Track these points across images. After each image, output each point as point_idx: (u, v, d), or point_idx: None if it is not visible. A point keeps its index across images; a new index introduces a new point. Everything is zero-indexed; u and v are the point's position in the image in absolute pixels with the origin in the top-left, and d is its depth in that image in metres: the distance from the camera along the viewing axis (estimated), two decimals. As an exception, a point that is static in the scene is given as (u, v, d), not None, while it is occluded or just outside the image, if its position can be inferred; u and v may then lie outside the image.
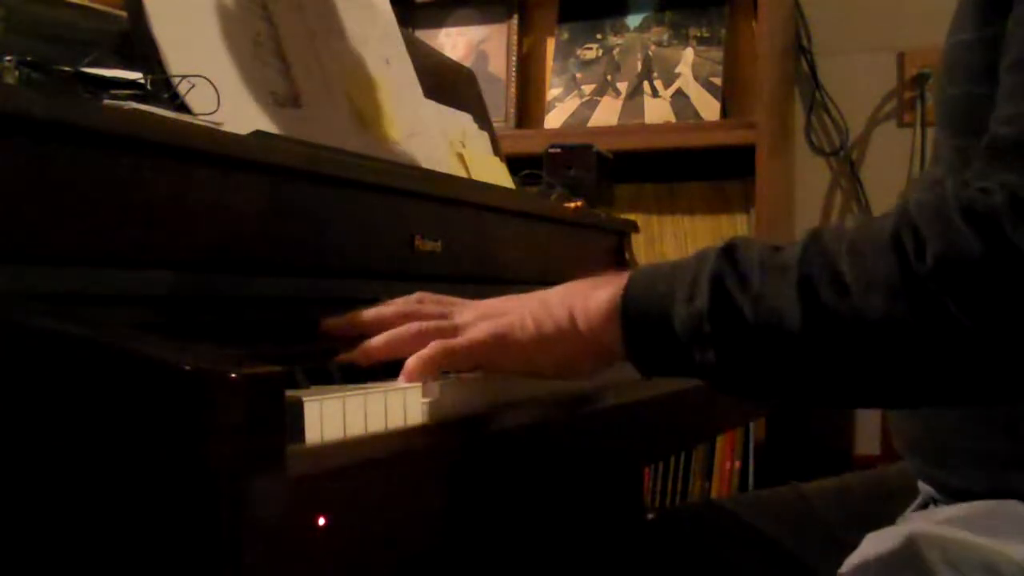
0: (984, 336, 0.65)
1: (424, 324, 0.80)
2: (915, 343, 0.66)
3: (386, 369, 0.84)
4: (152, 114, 0.79)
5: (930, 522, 0.87)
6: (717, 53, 2.22)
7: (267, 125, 0.90)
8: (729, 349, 0.70)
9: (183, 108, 0.85)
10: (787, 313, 0.68)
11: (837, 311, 0.67)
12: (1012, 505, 0.87)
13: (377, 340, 0.79)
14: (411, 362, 0.76)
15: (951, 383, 0.69)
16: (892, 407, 0.91)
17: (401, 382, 0.75)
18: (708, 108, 2.19)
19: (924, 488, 1.00)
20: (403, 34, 1.24)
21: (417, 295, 0.87)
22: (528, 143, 2.02)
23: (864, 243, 0.68)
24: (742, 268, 0.71)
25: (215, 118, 0.86)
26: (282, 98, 0.98)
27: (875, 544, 0.83)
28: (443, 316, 0.82)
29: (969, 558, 0.79)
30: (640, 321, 0.74)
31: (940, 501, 0.98)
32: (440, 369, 0.77)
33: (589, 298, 0.77)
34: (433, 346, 0.76)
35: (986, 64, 0.82)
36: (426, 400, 0.72)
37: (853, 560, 0.84)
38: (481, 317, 0.80)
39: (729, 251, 0.72)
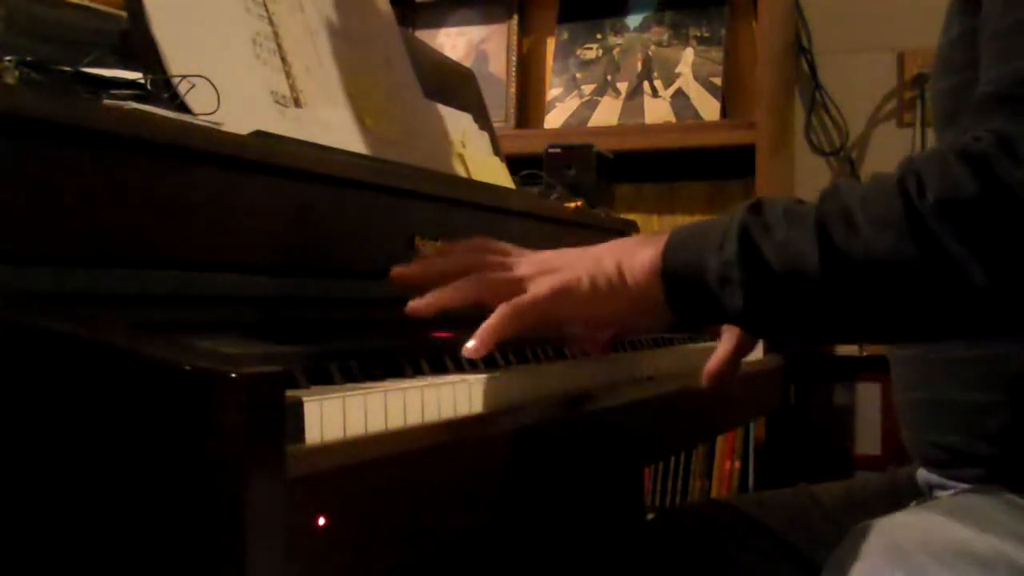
0: (983, 268, 0.71)
1: (491, 277, 0.86)
2: (921, 277, 0.72)
3: (386, 369, 0.84)
4: (152, 114, 0.79)
5: (912, 512, 0.88)
6: (717, 53, 2.22)
7: (267, 125, 0.90)
8: (756, 292, 0.77)
9: (183, 108, 0.85)
10: (806, 255, 0.75)
11: (850, 251, 0.74)
12: (995, 497, 0.89)
13: (444, 294, 0.84)
14: (484, 332, 0.82)
15: (956, 314, 0.75)
16: (906, 340, 0.97)
17: (471, 344, 0.81)
18: (708, 108, 2.19)
19: (922, 477, 1.02)
20: (403, 34, 1.24)
21: (476, 241, 0.92)
22: (528, 143, 2.02)
23: (873, 190, 0.76)
24: (766, 218, 0.78)
25: (215, 118, 0.86)
26: (282, 98, 0.98)
27: (859, 536, 0.85)
28: (504, 267, 0.88)
29: (947, 545, 0.81)
30: (678, 273, 0.81)
31: (935, 487, 0.99)
32: (513, 332, 0.83)
33: (635, 256, 0.84)
34: (502, 311, 0.82)
35: (970, 55, 0.86)
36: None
37: (838, 552, 0.85)
38: (540, 271, 0.86)
39: (756, 206, 0.79)
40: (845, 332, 0.84)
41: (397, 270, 0.88)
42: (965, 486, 0.96)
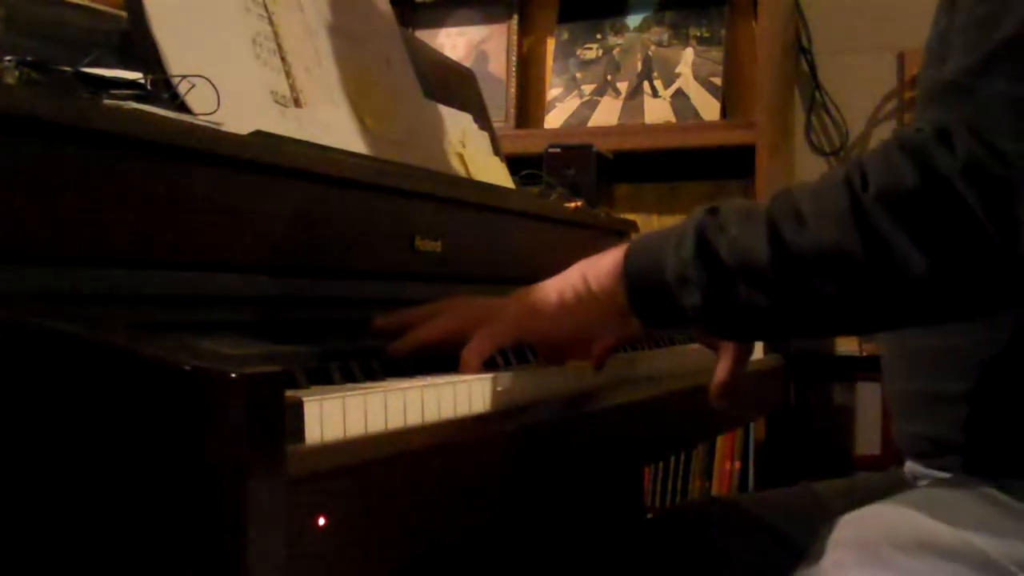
0: (922, 257, 0.73)
1: (462, 314, 0.90)
2: (864, 267, 0.74)
3: (386, 369, 0.84)
4: (152, 114, 0.79)
5: (882, 505, 0.91)
6: (717, 53, 2.22)
7: (267, 125, 0.90)
8: (712, 290, 0.79)
9: (183, 108, 0.85)
10: (757, 250, 0.77)
11: (797, 243, 0.76)
12: (966, 488, 0.89)
13: (424, 328, 0.88)
14: (466, 354, 0.85)
15: (900, 303, 0.77)
16: (858, 332, 1.02)
17: (465, 374, 0.84)
18: (708, 108, 2.19)
19: (909, 468, 1.03)
20: (403, 34, 1.24)
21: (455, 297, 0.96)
22: (528, 143, 2.02)
23: (821, 185, 0.78)
24: (721, 219, 0.80)
25: (215, 118, 0.86)
26: (282, 98, 0.98)
27: (829, 530, 0.87)
28: (479, 306, 0.92)
29: (914, 537, 0.82)
30: (638, 275, 0.84)
31: (920, 478, 1.00)
32: (491, 352, 0.87)
33: (598, 264, 0.87)
34: (479, 334, 0.86)
35: (949, 44, 0.87)
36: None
37: (811, 547, 0.86)
38: (512, 299, 0.91)
39: (712, 208, 0.82)
40: (797, 326, 0.85)
41: (380, 321, 0.91)
42: (944, 475, 0.97)
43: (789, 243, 0.76)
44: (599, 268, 0.87)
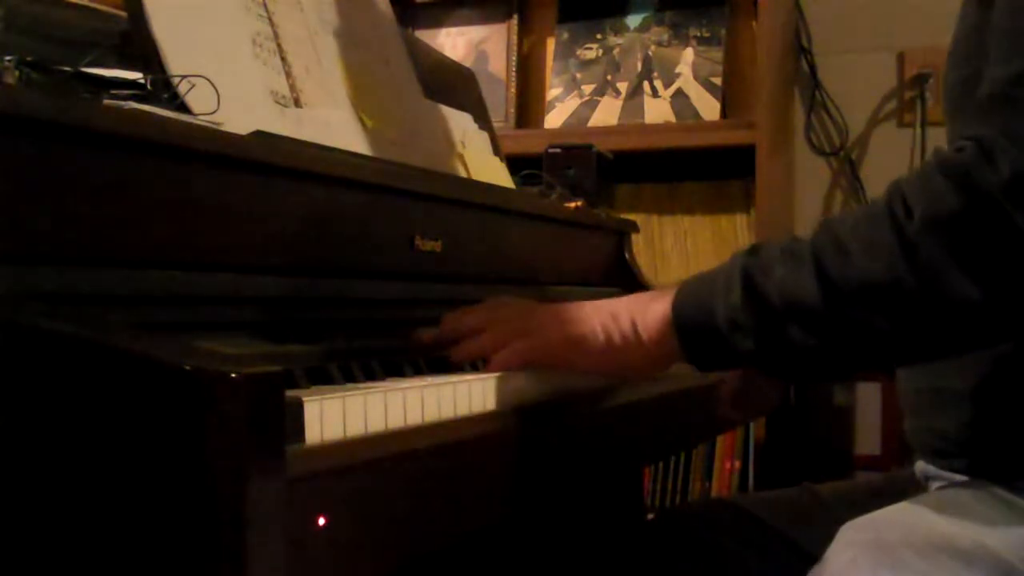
0: (974, 280, 0.71)
1: (508, 327, 0.89)
2: (917, 299, 0.73)
3: (386, 369, 0.84)
4: (152, 114, 0.79)
5: (898, 508, 0.89)
6: (717, 53, 2.22)
7: (267, 125, 0.90)
8: (764, 333, 0.78)
9: (183, 108, 0.85)
10: (806, 290, 0.76)
11: (845, 278, 0.75)
12: (979, 490, 0.89)
13: (476, 341, 0.89)
14: (496, 364, 0.85)
15: (956, 331, 0.75)
16: (913, 362, 0.98)
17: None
18: (708, 108, 2.19)
19: (920, 468, 1.02)
20: (403, 34, 1.24)
21: (496, 299, 0.97)
22: (528, 143, 2.02)
23: (863, 217, 0.77)
24: (765, 260, 0.79)
25: (215, 118, 0.86)
26: (282, 98, 0.98)
27: (844, 531, 0.85)
28: (522, 316, 0.91)
29: (929, 539, 0.81)
30: (690, 324, 0.84)
31: (931, 479, 1.00)
32: (521, 367, 0.87)
33: (647, 311, 0.87)
34: (515, 347, 0.86)
35: (981, 48, 0.86)
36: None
37: (825, 548, 0.86)
38: (555, 320, 0.90)
39: (754, 249, 0.82)
40: (852, 361, 0.83)
41: (428, 335, 0.91)
42: (958, 477, 0.96)
43: (837, 279, 0.75)
44: (648, 316, 0.86)
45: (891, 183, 0.77)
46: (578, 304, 0.91)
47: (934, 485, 1.00)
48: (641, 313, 0.87)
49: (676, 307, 0.85)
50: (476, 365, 0.93)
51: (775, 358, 0.80)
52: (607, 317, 0.88)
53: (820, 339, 0.77)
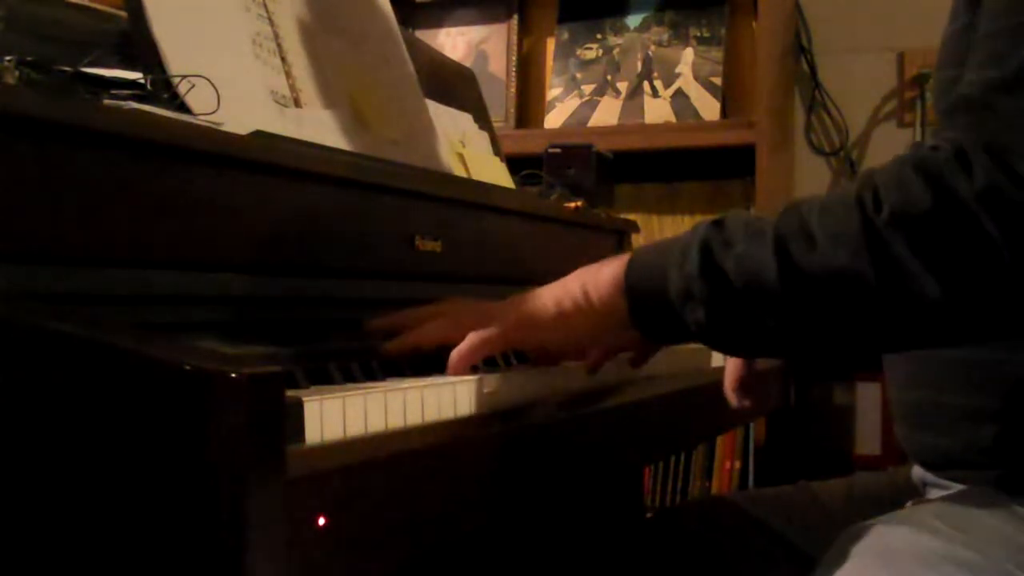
0: (936, 281, 0.71)
1: (458, 317, 0.88)
2: (876, 290, 0.72)
3: (386, 369, 0.84)
4: (152, 114, 0.79)
5: (903, 516, 0.88)
6: (717, 53, 2.22)
7: (267, 125, 0.90)
8: (717, 307, 0.77)
9: (183, 108, 0.85)
10: (765, 269, 0.75)
11: (807, 264, 0.74)
12: (985, 500, 0.89)
13: (416, 333, 0.87)
14: (454, 355, 0.84)
15: (911, 326, 0.75)
16: (866, 353, 0.96)
17: (449, 375, 0.82)
18: (708, 108, 2.19)
19: (917, 474, 1.02)
20: (403, 34, 1.24)
21: (451, 299, 0.95)
22: (528, 143, 2.02)
23: (831, 204, 0.76)
24: (727, 234, 0.78)
25: (215, 118, 0.86)
26: (282, 98, 0.98)
27: (850, 538, 0.85)
28: (476, 310, 0.90)
29: (935, 549, 0.81)
30: (641, 289, 0.82)
31: (930, 485, 1.00)
32: (481, 357, 0.86)
33: (598, 275, 0.85)
34: (471, 338, 0.84)
35: (969, 48, 0.85)
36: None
37: (830, 554, 0.85)
38: (509, 304, 0.89)
39: (718, 222, 0.80)
40: (804, 346, 0.82)
41: (375, 322, 0.90)
42: (958, 486, 0.96)
43: (798, 263, 0.74)
44: (599, 279, 0.85)
45: (863, 172, 0.77)
46: (534, 288, 0.90)
47: (932, 492, 1.00)
48: (593, 279, 0.85)
49: (629, 272, 0.83)
50: (476, 365, 0.93)
51: (724, 333, 0.78)
52: (558, 289, 0.87)
53: (773, 319, 0.76)
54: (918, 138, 2.25)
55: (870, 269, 0.72)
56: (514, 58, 2.39)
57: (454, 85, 1.48)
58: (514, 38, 2.40)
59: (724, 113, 2.19)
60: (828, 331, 0.77)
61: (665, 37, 2.28)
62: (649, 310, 0.82)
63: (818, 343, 0.80)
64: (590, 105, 2.28)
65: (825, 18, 2.34)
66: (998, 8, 0.79)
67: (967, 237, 0.70)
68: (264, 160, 0.85)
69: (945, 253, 0.71)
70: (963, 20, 0.91)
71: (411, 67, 1.23)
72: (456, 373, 0.83)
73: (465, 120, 1.40)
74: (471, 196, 1.15)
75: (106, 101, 0.78)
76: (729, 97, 2.21)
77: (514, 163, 1.50)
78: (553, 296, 0.86)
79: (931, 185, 0.71)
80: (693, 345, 1.11)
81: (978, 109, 0.75)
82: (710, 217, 0.83)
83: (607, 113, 2.26)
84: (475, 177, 1.30)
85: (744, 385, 1.02)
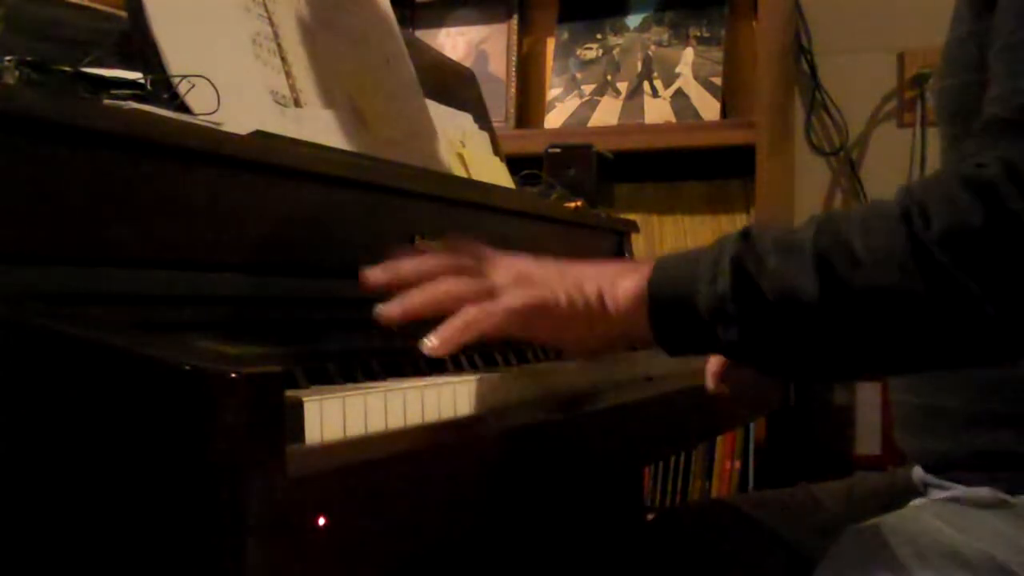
0: (990, 300, 0.70)
1: (461, 286, 0.80)
2: (927, 310, 0.71)
3: (386, 369, 0.84)
4: (152, 114, 0.79)
5: (905, 515, 0.88)
6: (717, 53, 2.22)
7: (267, 125, 0.90)
8: (751, 325, 0.75)
9: (183, 108, 0.85)
10: (805, 288, 0.73)
11: (852, 284, 0.72)
12: (986, 499, 0.89)
13: (413, 299, 0.78)
14: (447, 329, 0.76)
15: (962, 346, 0.74)
16: (909, 372, 0.96)
17: (431, 341, 0.75)
18: (708, 108, 2.19)
19: (918, 475, 1.02)
20: (403, 34, 1.24)
21: (451, 242, 0.87)
22: (528, 143, 2.02)
23: (874, 220, 0.74)
24: (759, 250, 0.75)
25: (215, 118, 0.86)
26: (282, 98, 0.98)
27: (851, 537, 0.85)
28: (478, 271, 0.82)
29: (937, 548, 0.81)
30: (665, 304, 0.79)
31: (931, 486, 1.00)
32: (474, 339, 0.78)
33: (616, 284, 0.81)
34: (470, 314, 0.77)
35: (979, 56, 0.85)
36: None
37: (831, 553, 0.85)
38: (516, 282, 0.81)
39: (746, 236, 0.77)
40: (844, 365, 0.81)
41: (367, 273, 0.81)
42: (958, 487, 0.96)
43: (842, 281, 0.72)
44: (617, 289, 0.81)
45: (901, 189, 0.75)
46: (541, 264, 0.84)
47: (933, 492, 1.00)
48: (610, 285, 0.81)
49: (653, 285, 0.79)
50: (475, 364, 0.93)
51: (759, 352, 0.77)
52: (571, 285, 0.82)
53: (812, 339, 0.74)
54: (918, 138, 2.25)
55: (921, 287, 0.71)
56: (514, 58, 2.39)
57: (454, 85, 1.48)
58: (514, 38, 2.40)
59: (724, 113, 2.19)
60: (871, 349, 0.75)
61: (665, 37, 2.28)
62: (676, 327, 0.79)
63: (858, 362, 0.78)
64: (590, 105, 2.29)
65: (825, 18, 2.34)
66: (1009, 21, 0.79)
67: (1022, 252, 0.69)
68: (264, 160, 0.85)
69: (999, 270, 0.70)
70: (966, 28, 0.90)
71: (411, 67, 1.23)
72: (445, 346, 0.76)
73: (465, 120, 1.40)
74: (471, 196, 1.15)
75: (106, 101, 0.78)
76: (729, 97, 2.21)
77: (514, 163, 1.50)
78: (564, 291, 0.81)
79: (983, 202, 0.70)
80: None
81: (1016, 127, 0.74)
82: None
83: (607, 113, 2.26)
84: (475, 177, 1.30)
85: (723, 372, 1.01)
